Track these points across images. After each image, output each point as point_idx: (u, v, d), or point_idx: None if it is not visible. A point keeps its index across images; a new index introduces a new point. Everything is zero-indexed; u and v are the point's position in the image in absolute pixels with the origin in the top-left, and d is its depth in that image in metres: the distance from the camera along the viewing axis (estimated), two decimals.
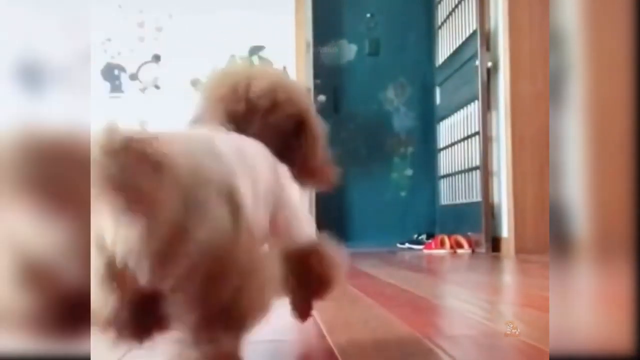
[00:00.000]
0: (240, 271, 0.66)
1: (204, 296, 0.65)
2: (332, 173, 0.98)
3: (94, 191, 0.58)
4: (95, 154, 0.57)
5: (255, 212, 0.75)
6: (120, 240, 0.62)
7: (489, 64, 3.83)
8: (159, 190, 0.60)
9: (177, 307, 0.67)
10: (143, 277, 0.64)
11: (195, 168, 0.65)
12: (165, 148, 0.61)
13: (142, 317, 0.72)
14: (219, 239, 0.64)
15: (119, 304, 0.68)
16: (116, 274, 0.64)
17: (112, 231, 0.62)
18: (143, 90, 4.32)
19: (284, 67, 3.98)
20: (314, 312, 1.38)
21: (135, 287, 0.65)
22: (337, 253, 0.93)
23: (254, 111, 0.89)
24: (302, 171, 0.94)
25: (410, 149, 4.93)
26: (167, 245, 0.62)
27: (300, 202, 0.91)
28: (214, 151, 0.70)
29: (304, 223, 0.90)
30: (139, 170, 0.58)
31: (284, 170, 0.89)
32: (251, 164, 0.78)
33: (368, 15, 4.94)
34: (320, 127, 0.98)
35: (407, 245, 4.50)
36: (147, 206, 0.60)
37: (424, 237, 4.49)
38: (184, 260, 0.63)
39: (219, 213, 0.64)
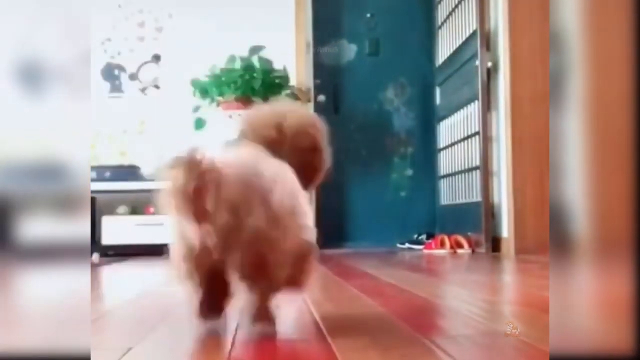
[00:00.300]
0: (272, 250, 1.02)
1: (252, 263, 1.01)
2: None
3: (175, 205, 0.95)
4: (176, 180, 0.93)
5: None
6: (200, 232, 0.98)
7: (489, 64, 3.83)
8: (219, 206, 0.97)
9: (236, 273, 1.05)
10: (216, 254, 1.00)
11: (245, 187, 1.01)
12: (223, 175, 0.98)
13: (214, 289, 1.13)
14: (258, 230, 0.99)
15: (198, 278, 1.08)
16: (196, 256, 1.02)
17: (192, 228, 0.98)
18: (143, 90, 4.32)
19: (284, 67, 3.99)
20: (314, 312, 1.38)
21: (209, 262, 1.02)
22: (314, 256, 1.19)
23: (284, 139, 1.22)
24: (310, 180, 1.25)
25: (410, 149, 4.93)
26: (228, 233, 0.98)
27: (306, 206, 1.14)
28: (258, 173, 1.04)
29: (306, 228, 1.14)
30: (205, 192, 0.95)
31: (296, 183, 1.16)
32: (278, 179, 1.09)
33: (368, 15, 4.94)
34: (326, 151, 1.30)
35: (407, 245, 4.50)
36: (210, 215, 0.97)
37: (424, 237, 4.49)
38: (240, 241, 0.99)
39: (259, 215, 1.00)
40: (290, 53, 4.31)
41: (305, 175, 1.22)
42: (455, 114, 4.36)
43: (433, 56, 4.89)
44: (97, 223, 3.86)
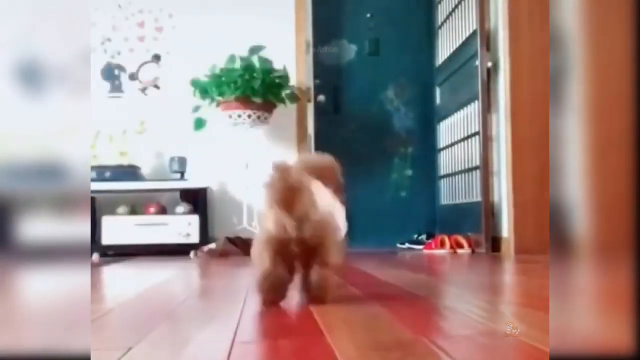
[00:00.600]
0: (331, 235, 1.53)
1: (318, 243, 1.49)
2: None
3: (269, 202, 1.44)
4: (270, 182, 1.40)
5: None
6: (284, 219, 1.44)
7: (489, 64, 3.83)
8: (297, 202, 1.42)
9: (305, 253, 1.50)
10: (294, 234, 1.45)
11: (311, 193, 1.47)
12: (299, 180, 1.45)
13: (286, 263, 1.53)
14: (322, 220, 1.49)
15: (273, 259, 1.49)
16: (278, 238, 1.47)
17: (278, 217, 1.45)
18: (143, 90, 4.32)
19: (284, 67, 3.99)
20: (314, 312, 1.38)
21: (287, 243, 1.47)
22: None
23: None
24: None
25: (410, 149, 4.93)
26: (302, 221, 1.44)
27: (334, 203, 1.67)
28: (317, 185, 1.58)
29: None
30: (289, 193, 1.41)
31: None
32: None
33: (368, 15, 4.94)
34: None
35: (407, 245, 4.50)
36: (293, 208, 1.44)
37: (424, 237, 4.49)
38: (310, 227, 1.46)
39: (320, 210, 1.48)
40: (290, 53, 4.31)
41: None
42: (455, 114, 4.36)
43: (433, 56, 4.89)
44: (97, 223, 3.86)
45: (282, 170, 1.40)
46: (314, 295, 1.53)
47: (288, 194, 1.40)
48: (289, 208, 1.42)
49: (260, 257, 1.48)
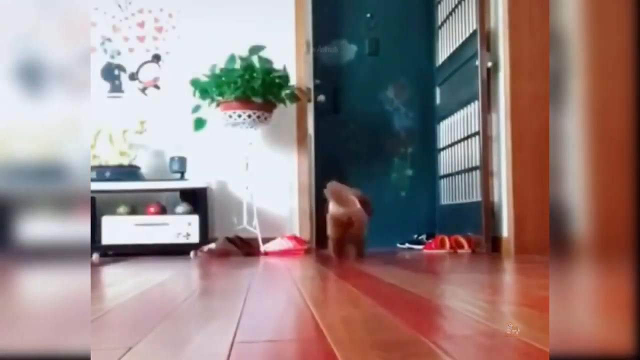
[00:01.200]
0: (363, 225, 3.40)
1: (358, 229, 3.36)
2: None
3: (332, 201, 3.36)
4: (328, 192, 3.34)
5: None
6: (339, 211, 3.30)
7: (489, 64, 3.83)
8: (345, 203, 3.30)
9: (352, 233, 3.36)
10: (345, 221, 3.31)
11: (348, 197, 3.32)
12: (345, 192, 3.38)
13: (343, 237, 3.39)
14: (360, 215, 3.32)
15: (339, 232, 3.34)
16: (339, 219, 3.31)
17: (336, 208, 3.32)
18: (143, 90, 4.32)
19: (284, 67, 3.99)
20: (314, 312, 1.38)
21: (343, 223, 3.31)
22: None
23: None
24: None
25: (410, 149, 4.93)
26: (350, 213, 3.32)
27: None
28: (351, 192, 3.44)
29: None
30: (341, 198, 3.32)
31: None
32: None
33: (368, 15, 4.94)
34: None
35: (407, 245, 4.50)
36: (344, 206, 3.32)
37: (424, 237, 4.49)
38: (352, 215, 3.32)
39: (358, 208, 3.32)
40: (290, 53, 4.31)
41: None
42: (455, 114, 4.36)
43: (433, 56, 4.89)
44: (97, 223, 3.86)
45: (335, 187, 3.16)
46: (357, 252, 3.35)
47: (340, 197, 3.11)
48: (341, 204, 3.14)
49: (332, 229, 3.28)
